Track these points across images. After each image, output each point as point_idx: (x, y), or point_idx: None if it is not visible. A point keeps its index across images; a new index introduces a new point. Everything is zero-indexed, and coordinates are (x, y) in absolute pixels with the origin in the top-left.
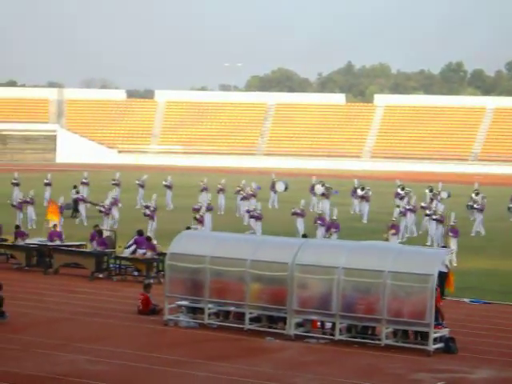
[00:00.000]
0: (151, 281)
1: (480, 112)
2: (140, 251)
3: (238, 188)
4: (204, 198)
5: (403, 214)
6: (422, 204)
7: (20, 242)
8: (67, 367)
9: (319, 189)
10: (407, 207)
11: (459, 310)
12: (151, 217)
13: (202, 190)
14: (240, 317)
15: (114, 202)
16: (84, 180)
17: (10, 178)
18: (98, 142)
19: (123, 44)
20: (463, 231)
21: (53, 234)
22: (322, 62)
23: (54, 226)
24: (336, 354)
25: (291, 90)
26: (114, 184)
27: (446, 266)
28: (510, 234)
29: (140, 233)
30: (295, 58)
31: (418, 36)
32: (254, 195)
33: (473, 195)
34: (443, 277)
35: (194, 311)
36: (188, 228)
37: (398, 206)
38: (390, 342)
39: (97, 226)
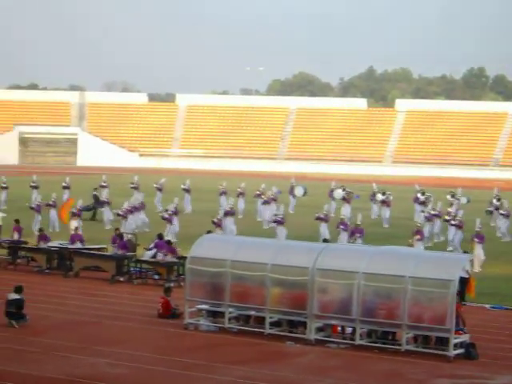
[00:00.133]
0: (171, 284)
1: (502, 117)
2: (160, 255)
3: (258, 192)
4: (223, 202)
5: (428, 219)
6: (449, 209)
7: (42, 245)
8: (87, 370)
9: (338, 193)
10: (432, 213)
11: (480, 315)
12: (169, 220)
13: (220, 194)
14: (260, 321)
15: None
16: (103, 183)
17: (30, 180)
18: (119, 146)
19: (145, 47)
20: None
21: (74, 237)
22: (343, 66)
23: (76, 228)
24: (356, 358)
25: (313, 94)
26: (132, 187)
27: (467, 272)
28: None
29: (160, 236)
30: (317, 62)
31: (440, 41)
32: (274, 199)
33: (494, 200)
34: (464, 282)
35: (215, 315)
36: (209, 232)
37: (423, 212)
38: (410, 347)
39: (117, 229)
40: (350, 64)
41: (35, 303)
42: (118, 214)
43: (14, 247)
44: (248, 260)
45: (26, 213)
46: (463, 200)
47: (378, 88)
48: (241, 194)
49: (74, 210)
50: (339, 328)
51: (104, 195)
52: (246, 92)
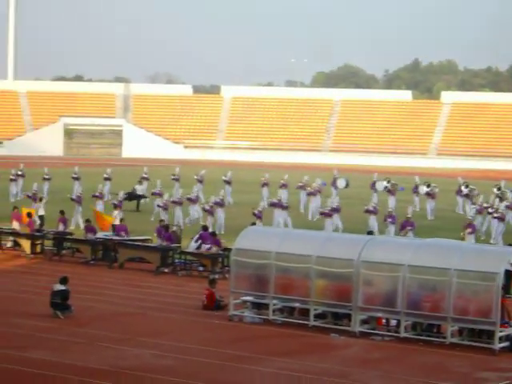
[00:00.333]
0: (216, 276)
1: None
2: (205, 246)
3: (301, 184)
4: (265, 194)
5: (479, 212)
6: (506, 203)
7: (90, 237)
8: (132, 361)
9: (380, 185)
10: (485, 205)
11: None
12: (210, 212)
13: (262, 186)
14: (305, 313)
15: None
16: (144, 175)
17: (73, 172)
18: (163, 137)
19: (189, 39)
20: None
21: (119, 229)
22: (388, 58)
23: (121, 220)
24: (401, 351)
25: (357, 86)
26: (173, 179)
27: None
28: None
29: (205, 228)
30: (361, 54)
31: (486, 33)
32: (319, 191)
33: None
34: (509, 275)
35: (259, 307)
36: (253, 224)
37: (474, 204)
38: (455, 340)
39: (162, 220)
40: (395, 56)
41: (80, 294)
42: (158, 206)
43: (60, 238)
44: (293, 252)
45: (67, 204)
46: (510, 195)
47: (423, 80)
48: (283, 186)
49: (115, 202)
50: (384, 320)
51: (145, 187)
52: (290, 84)
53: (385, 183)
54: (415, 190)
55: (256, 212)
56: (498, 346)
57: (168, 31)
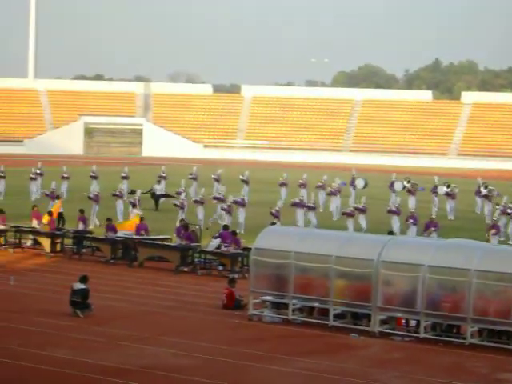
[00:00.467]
0: (236, 275)
1: None
2: (225, 246)
3: (320, 183)
4: (283, 194)
5: (503, 212)
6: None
7: (111, 236)
8: (152, 360)
9: (399, 185)
10: (510, 205)
11: None
12: (228, 211)
13: (280, 185)
14: (324, 313)
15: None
16: (162, 174)
17: (96, 171)
18: (183, 136)
19: (209, 39)
20: None
21: (139, 228)
22: (409, 58)
23: (141, 218)
24: (420, 351)
25: (378, 86)
26: (190, 178)
27: None
28: None
29: (226, 227)
30: (382, 54)
31: (507, 33)
32: (339, 191)
33: None
34: None
35: (278, 306)
36: (273, 223)
37: (498, 205)
38: (475, 340)
39: (183, 220)
40: (415, 56)
41: (100, 293)
42: (175, 205)
43: (79, 237)
44: (312, 252)
45: (86, 203)
46: None
47: (443, 80)
48: (302, 185)
49: (132, 200)
50: (403, 321)
51: (162, 186)
52: (311, 83)
53: (405, 183)
54: (434, 190)
55: (273, 211)
56: None
57: (189, 30)
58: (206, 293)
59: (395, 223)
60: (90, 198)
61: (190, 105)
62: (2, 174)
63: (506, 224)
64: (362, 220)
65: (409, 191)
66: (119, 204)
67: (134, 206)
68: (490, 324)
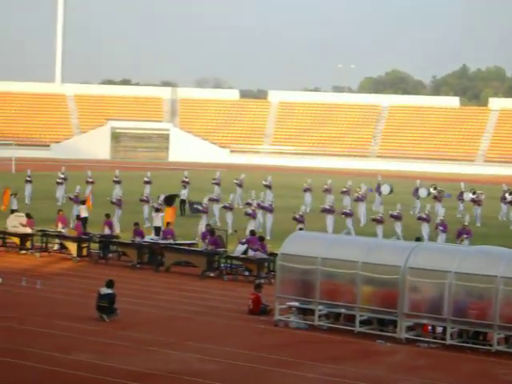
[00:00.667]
0: (262, 281)
1: None
2: (251, 251)
3: (345, 189)
4: (307, 199)
5: None
6: None
7: (136, 240)
8: (178, 365)
9: (423, 192)
10: None
11: None
12: (253, 216)
13: (305, 191)
14: (350, 319)
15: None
16: (185, 179)
17: (120, 175)
18: (210, 142)
19: (236, 44)
20: None
21: (166, 233)
22: (436, 64)
23: (168, 224)
24: (447, 358)
25: (405, 92)
26: (214, 183)
27: None
28: None
29: (252, 233)
30: (409, 60)
31: None
32: (365, 197)
33: None
34: None
35: (305, 312)
36: (301, 229)
37: None
38: (501, 348)
39: (209, 225)
40: (442, 62)
41: (126, 298)
42: (198, 210)
43: (106, 242)
44: (339, 258)
45: (110, 208)
46: None
47: (470, 86)
48: (327, 191)
49: (156, 205)
50: (430, 327)
51: (185, 191)
52: (337, 89)
53: (431, 190)
54: (460, 196)
55: (297, 216)
56: None
57: (216, 36)
58: (231, 298)
59: (425, 230)
60: (112, 202)
61: (217, 110)
62: (29, 179)
63: None
64: (398, 227)
65: (435, 198)
66: (146, 209)
67: (157, 210)
68: None
